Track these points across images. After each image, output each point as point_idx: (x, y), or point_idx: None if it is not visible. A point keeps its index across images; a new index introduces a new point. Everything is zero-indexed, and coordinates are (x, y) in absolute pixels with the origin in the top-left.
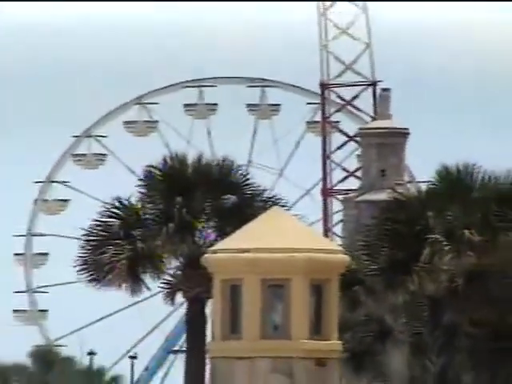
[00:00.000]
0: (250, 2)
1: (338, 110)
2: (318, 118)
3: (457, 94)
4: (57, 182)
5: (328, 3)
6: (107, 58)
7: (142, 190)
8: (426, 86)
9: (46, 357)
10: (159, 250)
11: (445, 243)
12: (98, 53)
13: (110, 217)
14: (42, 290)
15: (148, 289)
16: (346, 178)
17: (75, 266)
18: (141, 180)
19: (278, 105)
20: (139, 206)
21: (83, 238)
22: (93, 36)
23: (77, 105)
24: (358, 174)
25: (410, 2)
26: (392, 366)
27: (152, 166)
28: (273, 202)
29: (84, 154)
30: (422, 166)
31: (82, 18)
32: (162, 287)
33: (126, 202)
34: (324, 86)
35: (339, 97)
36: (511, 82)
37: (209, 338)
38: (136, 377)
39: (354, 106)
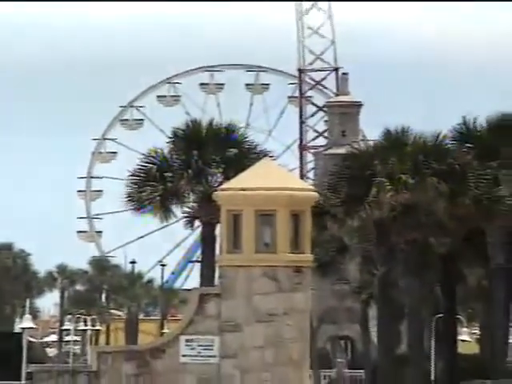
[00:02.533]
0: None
1: (310, 89)
2: (297, 94)
3: (399, 77)
4: (108, 139)
5: (304, 8)
6: (141, 48)
7: (170, 146)
8: (375, 70)
9: (100, 264)
10: (183, 188)
11: (387, 184)
12: (133, 44)
13: (148, 163)
14: (97, 216)
15: (175, 216)
16: (316, 137)
17: (123, 200)
18: (169, 138)
19: (268, 84)
20: (168, 157)
21: (128, 179)
22: (126, 31)
23: (123, 83)
24: (326, 134)
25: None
26: (348, 272)
27: (177, 128)
28: (264, 154)
29: (127, 119)
30: (371, 129)
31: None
32: (184, 215)
33: (159, 154)
34: (300, 70)
35: (311, 79)
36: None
37: (218, 252)
38: (165, 279)
39: (323, 85)
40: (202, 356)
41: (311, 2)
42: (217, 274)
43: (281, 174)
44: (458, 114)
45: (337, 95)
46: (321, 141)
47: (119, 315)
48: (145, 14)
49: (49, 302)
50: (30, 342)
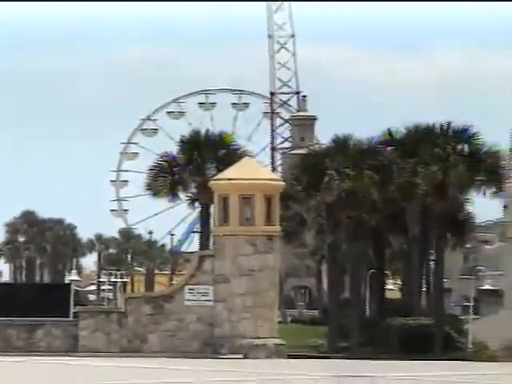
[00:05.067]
0: None
1: (279, 106)
2: (269, 110)
3: (345, 99)
4: (132, 143)
5: (275, 48)
6: (155, 74)
7: (177, 148)
8: (328, 93)
9: (126, 234)
10: (186, 179)
11: (335, 176)
12: (149, 72)
13: (161, 161)
14: (124, 199)
15: (180, 199)
16: (283, 141)
17: (143, 187)
18: (177, 143)
19: (248, 103)
20: (177, 156)
21: (147, 172)
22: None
23: (142, 102)
24: (290, 139)
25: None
26: (306, 239)
27: (182, 136)
28: (245, 154)
29: (146, 129)
30: (324, 136)
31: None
32: (187, 198)
33: (170, 154)
34: (272, 93)
35: (280, 99)
36: None
37: (212, 225)
38: (173, 245)
39: (288, 104)
40: (200, 300)
41: (279, 45)
42: (211, 241)
43: (257, 168)
44: (386, 125)
45: (298, 111)
46: (286, 144)
47: (140, 271)
48: (152, 55)
49: (89, 261)
50: (76, 290)
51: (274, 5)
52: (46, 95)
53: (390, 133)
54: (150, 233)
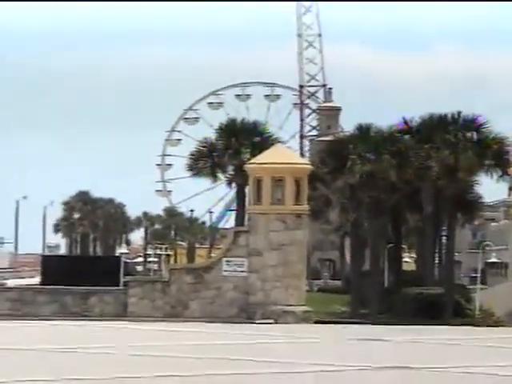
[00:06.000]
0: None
1: (308, 98)
2: (298, 101)
3: (367, 91)
4: (175, 130)
5: (304, 46)
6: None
7: (217, 135)
8: (351, 85)
9: (171, 211)
10: (224, 162)
11: (357, 160)
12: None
13: (203, 146)
14: (168, 181)
15: (218, 180)
16: (311, 130)
17: (185, 170)
18: (217, 130)
19: (280, 95)
20: (215, 142)
21: (189, 156)
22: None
23: (186, 93)
24: (317, 128)
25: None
26: (331, 217)
27: (221, 124)
28: (277, 141)
29: (188, 118)
30: (348, 125)
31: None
32: (225, 179)
33: (210, 140)
34: (301, 86)
35: (308, 91)
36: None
37: (247, 204)
38: (212, 221)
39: (315, 96)
40: (236, 271)
41: (307, 43)
42: (246, 219)
43: (288, 153)
44: (403, 114)
45: (324, 102)
46: (314, 132)
47: (182, 245)
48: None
49: (137, 236)
50: (125, 262)
51: (303, 7)
52: (98, 91)
53: (405, 121)
54: (192, 211)
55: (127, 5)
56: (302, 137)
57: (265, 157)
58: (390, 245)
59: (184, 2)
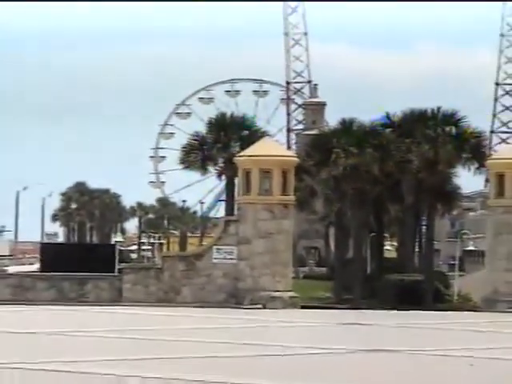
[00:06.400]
0: None
1: (294, 93)
2: (285, 97)
3: (350, 88)
4: (168, 124)
5: (290, 44)
6: (191, 66)
7: (207, 129)
8: (335, 82)
9: (163, 202)
10: (215, 155)
11: (341, 153)
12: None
13: (194, 140)
14: (161, 172)
15: (209, 172)
16: (297, 124)
17: (177, 162)
18: (207, 123)
19: (267, 91)
20: (206, 135)
21: (181, 149)
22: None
23: (177, 89)
24: (303, 122)
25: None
26: (317, 208)
27: (211, 118)
28: (265, 134)
29: (180, 112)
30: (332, 119)
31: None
32: (215, 171)
33: (200, 134)
34: (288, 82)
35: (294, 87)
36: None
37: (236, 195)
38: (203, 211)
39: (301, 92)
40: (226, 258)
41: (294, 41)
42: (235, 209)
43: (275, 146)
44: (385, 109)
45: (310, 98)
46: (300, 126)
47: (175, 233)
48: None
49: (132, 225)
50: (120, 249)
51: (289, 7)
52: (96, 88)
53: (388, 116)
54: (184, 201)
55: (117, 5)
56: (288, 130)
57: (253, 150)
58: (373, 234)
59: (177, 2)
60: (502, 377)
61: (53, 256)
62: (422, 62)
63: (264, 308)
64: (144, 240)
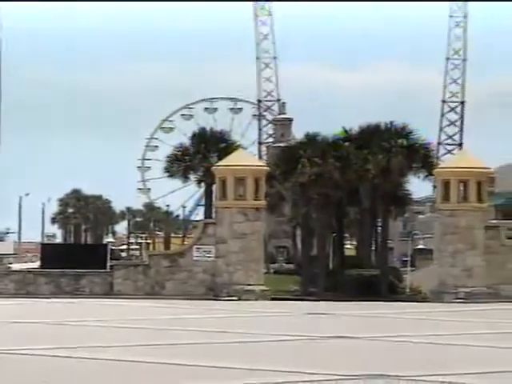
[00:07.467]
0: None
1: (265, 110)
2: (257, 113)
3: (313, 106)
4: (153, 138)
5: (261, 66)
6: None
7: (189, 142)
8: (301, 101)
9: (149, 206)
10: (195, 165)
11: (307, 163)
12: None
13: (177, 151)
14: (147, 180)
15: (190, 180)
16: (268, 137)
17: (162, 171)
18: (190, 137)
19: (241, 108)
20: (188, 147)
21: (165, 160)
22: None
23: (162, 107)
24: (273, 135)
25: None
26: (285, 210)
27: (193, 132)
28: (239, 146)
29: (164, 127)
30: (299, 133)
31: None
32: (196, 179)
33: (183, 146)
34: (259, 101)
35: (265, 105)
36: None
37: (214, 200)
38: (185, 215)
39: (271, 109)
40: (205, 256)
41: (264, 64)
42: (213, 212)
43: (248, 157)
44: (344, 124)
45: (279, 114)
46: (270, 139)
47: (160, 234)
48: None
49: (122, 227)
50: (112, 248)
51: (261, 34)
52: (85, 105)
53: (344, 130)
54: (168, 206)
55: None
56: (260, 143)
57: (229, 160)
58: (334, 234)
59: (167, 3)
60: (438, 357)
61: (52, 254)
62: (379, 79)
63: (239, 300)
64: (132, 240)
